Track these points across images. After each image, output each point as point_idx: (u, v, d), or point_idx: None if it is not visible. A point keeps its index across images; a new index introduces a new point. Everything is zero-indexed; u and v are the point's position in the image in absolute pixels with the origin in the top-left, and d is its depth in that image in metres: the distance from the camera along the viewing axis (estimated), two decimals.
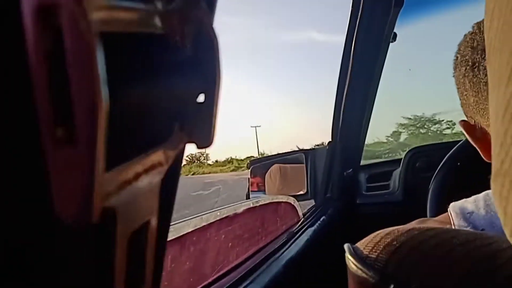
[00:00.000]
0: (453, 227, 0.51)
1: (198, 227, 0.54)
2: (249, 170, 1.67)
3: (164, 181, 0.18)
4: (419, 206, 1.03)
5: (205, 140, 0.19)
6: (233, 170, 31.86)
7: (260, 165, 1.68)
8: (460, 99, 0.50)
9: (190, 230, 0.52)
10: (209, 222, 0.57)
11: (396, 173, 1.61)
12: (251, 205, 0.81)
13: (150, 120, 0.17)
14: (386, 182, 1.64)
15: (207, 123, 0.18)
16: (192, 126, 0.18)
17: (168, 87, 0.17)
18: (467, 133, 0.48)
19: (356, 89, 1.23)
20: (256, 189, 1.56)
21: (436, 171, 1.09)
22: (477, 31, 0.48)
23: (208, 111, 0.18)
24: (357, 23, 1.05)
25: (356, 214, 1.51)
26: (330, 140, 1.45)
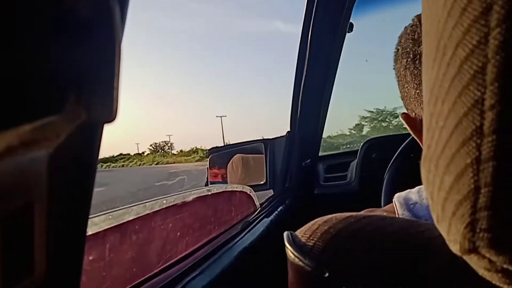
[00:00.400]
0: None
1: (141, 215, 0.51)
2: (208, 159, 1.63)
3: (62, 161, 0.16)
4: (375, 197, 1.04)
5: (107, 114, 0.17)
6: (198, 160, 31.78)
7: (219, 154, 1.65)
8: (400, 92, 0.50)
9: (131, 218, 0.49)
10: (153, 210, 0.55)
11: (353, 164, 1.62)
12: (202, 194, 0.78)
13: (33, 87, 0.15)
14: (344, 173, 1.64)
15: (108, 95, 0.16)
16: (91, 99, 0.16)
17: (59, 52, 0.15)
18: (409, 125, 0.48)
19: (314, 79, 1.22)
20: (220, 180, 1.54)
21: (390, 162, 1.10)
22: (417, 23, 0.48)
23: (109, 83, 0.16)
24: (313, 12, 1.04)
25: (314, 204, 1.51)
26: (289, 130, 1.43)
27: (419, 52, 0.45)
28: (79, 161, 0.18)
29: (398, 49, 0.48)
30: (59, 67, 0.15)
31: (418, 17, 0.49)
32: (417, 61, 0.45)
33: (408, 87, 0.47)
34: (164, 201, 0.59)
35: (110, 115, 0.17)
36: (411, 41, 0.47)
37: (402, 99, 0.50)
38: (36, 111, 0.15)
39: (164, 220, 0.60)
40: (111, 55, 0.16)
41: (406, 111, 0.50)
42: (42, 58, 0.14)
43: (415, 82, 0.46)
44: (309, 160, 1.42)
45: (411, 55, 0.46)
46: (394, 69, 0.49)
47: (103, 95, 0.17)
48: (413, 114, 0.49)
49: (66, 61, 0.15)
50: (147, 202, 0.55)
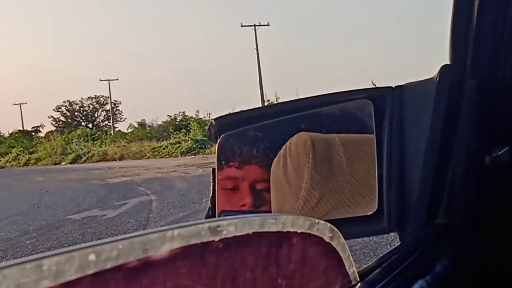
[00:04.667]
0: None
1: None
2: (217, 146, 0.85)
3: None
4: None
5: None
6: (190, 153, 23.14)
7: (242, 132, 0.86)
8: None
9: None
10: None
11: None
12: (199, 240, 0.36)
13: None
14: None
15: None
16: None
17: None
18: None
19: None
20: (246, 204, 0.82)
21: None
22: None
23: None
24: None
25: None
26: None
27: None
28: None
29: None
30: None
31: None
32: None
33: None
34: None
35: None
36: None
37: None
38: None
39: None
40: None
41: None
42: None
43: None
44: (506, 147, 0.73)
45: None
46: None
47: None
48: None
49: None
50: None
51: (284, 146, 0.82)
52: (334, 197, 0.78)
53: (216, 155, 0.85)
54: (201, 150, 22.31)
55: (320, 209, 0.78)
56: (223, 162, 0.86)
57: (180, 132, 26.07)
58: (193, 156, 21.59)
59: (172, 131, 27.24)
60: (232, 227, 0.40)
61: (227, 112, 1.07)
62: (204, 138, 22.38)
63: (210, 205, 0.85)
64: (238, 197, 0.84)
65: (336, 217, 0.78)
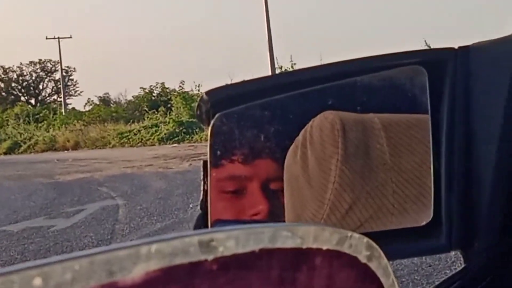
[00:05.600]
0: None
1: None
2: (210, 130, 0.92)
3: None
4: None
5: None
6: (175, 141, 23.10)
7: (244, 111, 0.94)
8: None
9: None
10: None
11: None
12: (185, 260, 0.39)
13: None
14: None
15: None
16: None
17: None
18: None
19: None
20: (258, 212, 0.91)
21: None
22: None
23: None
24: None
25: None
26: None
27: None
28: None
29: None
30: None
31: None
32: None
33: None
34: None
35: None
36: None
37: None
38: None
39: None
40: None
41: None
42: None
43: None
44: None
45: None
46: None
47: None
48: None
49: None
50: None
51: (303, 130, 0.86)
52: (372, 201, 0.83)
53: (208, 143, 0.88)
54: (187, 136, 22.91)
55: (354, 218, 0.82)
56: (219, 153, 0.89)
57: (158, 111, 26.74)
58: (175, 145, 22.03)
59: (147, 109, 27.86)
60: (231, 241, 0.42)
61: (224, 84, 1.10)
62: (191, 120, 22.87)
63: (200, 211, 0.91)
64: (247, 204, 0.89)
65: (376, 229, 0.82)
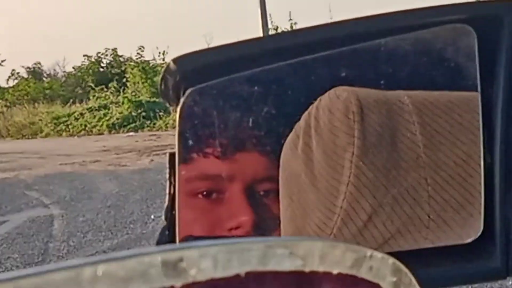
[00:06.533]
0: None
1: None
2: (178, 112, 0.99)
3: None
4: None
5: None
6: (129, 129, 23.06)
7: (225, 83, 0.99)
8: None
9: None
10: None
11: None
12: (144, 286, 0.41)
13: None
14: None
15: None
16: None
17: None
18: None
19: None
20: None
21: None
22: None
23: None
24: None
25: None
26: None
27: None
28: None
29: None
30: None
31: None
32: None
33: None
34: None
35: None
36: None
37: None
38: None
39: None
40: None
41: None
42: None
43: None
44: None
45: None
46: None
47: None
48: None
49: None
50: None
51: (306, 113, 0.89)
52: (400, 210, 0.86)
53: (176, 131, 0.92)
54: (148, 122, 23.16)
55: (375, 232, 0.85)
56: (191, 144, 0.92)
57: (108, 88, 26.93)
58: (132, 134, 22.34)
59: (93, 85, 27.97)
60: (207, 262, 0.43)
61: (198, 49, 1.10)
62: (153, 99, 23.47)
63: (165, 222, 0.93)
64: (224, 212, 0.91)
65: (405, 247, 0.84)
